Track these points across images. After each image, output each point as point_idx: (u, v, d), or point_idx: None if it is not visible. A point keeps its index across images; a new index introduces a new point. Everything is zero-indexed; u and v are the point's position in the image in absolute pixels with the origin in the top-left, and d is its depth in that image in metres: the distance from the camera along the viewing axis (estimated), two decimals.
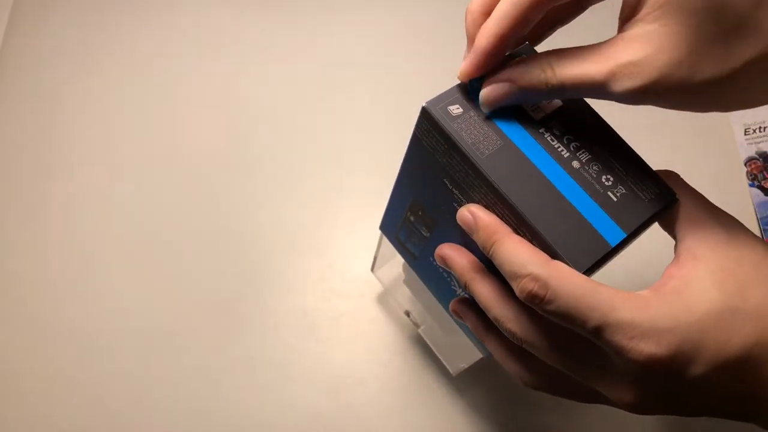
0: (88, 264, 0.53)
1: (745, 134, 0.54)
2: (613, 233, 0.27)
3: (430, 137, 0.30)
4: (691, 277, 0.25)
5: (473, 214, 0.28)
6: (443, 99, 0.30)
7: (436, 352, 0.49)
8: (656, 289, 0.25)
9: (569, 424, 0.47)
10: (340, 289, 0.51)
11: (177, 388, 0.49)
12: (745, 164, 0.53)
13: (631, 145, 0.29)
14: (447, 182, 0.31)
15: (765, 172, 0.53)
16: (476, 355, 0.41)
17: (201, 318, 0.51)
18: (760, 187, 0.53)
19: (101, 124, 0.57)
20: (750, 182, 0.53)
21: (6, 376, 0.50)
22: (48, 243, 0.53)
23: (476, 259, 0.31)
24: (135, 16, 0.61)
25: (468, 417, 0.47)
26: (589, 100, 0.29)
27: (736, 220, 0.27)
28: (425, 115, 0.30)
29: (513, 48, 0.30)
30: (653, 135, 0.54)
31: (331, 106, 0.57)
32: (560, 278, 0.25)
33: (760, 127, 0.54)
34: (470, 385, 0.48)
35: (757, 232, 0.51)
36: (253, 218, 0.54)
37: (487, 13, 0.28)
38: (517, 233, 0.28)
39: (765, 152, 0.54)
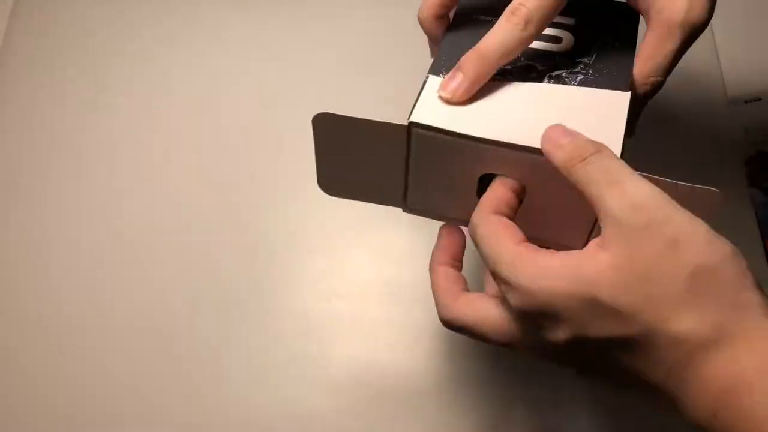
0: (87, 263, 0.52)
1: (745, 134, 0.54)
2: None
3: None
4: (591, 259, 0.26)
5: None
6: None
7: None
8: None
9: (572, 425, 0.47)
10: (340, 289, 0.51)
11: (176, 388, 0.49)
12: (745, 164, 0.53)
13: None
14: None
15: (765, 172, 0.53)
16: None
17: (201, 318, 0.51)
18: (760, 187, 0.53)
19: (101, 123, 0.57)
20: (749, 182, 0.53)
21: (6, 376, 0.50)
22: (47, 242, 0.53)
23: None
24: (135, 15, 0.61)
25: (468, 417, 0.47)
26: None
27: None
28: None
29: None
30: (653, 135, 0.54)
31: (333, 106, 0.57)
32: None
33: (759, 127, 0.54)
34: (470, 385, 0.48)
35: (756, 232, 0.51)
36: (253, 218, 0.54)
37: (441, 16, 0.36)
38: None
39: (764, 152, 0.54)
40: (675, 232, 0.25)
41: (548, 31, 0.33)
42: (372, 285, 0.51)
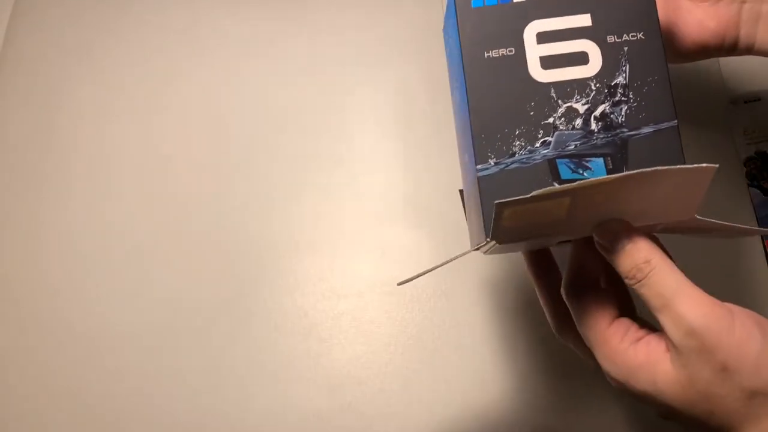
0: (87, 263, 0.52)
1: (744, 134, 0.54)
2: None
3: None
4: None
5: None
6: None
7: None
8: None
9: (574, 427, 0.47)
10: (340, 288, 0.51)
11: (177, 388, 0.49)
12: (745, 164, 0.53)
13: None
14: None
15: (764, 172, 0.53)
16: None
17: (201, 318, 0.51)
18: (760, 187, 0.53)
19: (102, 123, 0.57)
20: (749, 182, 0.53)
21: (7, 376, 0.50)
22: (47, 243, 0.53)
23: None
24: (135, 15, 0.61)
25: (467, 417, 0.47)
26: None
27: None
28: None
29: None
30: None
31: (333, 106, 0.57)
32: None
33: (759, 127, 0.54)
34: (469, 385, 0.48)
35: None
36: (253, 218, 0.54)
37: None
38: None
39: (764, 152, 0.54)
40: (725, 358, 0.27)
41: (570, 45, 0.32)
42: (372, 285, 0.51)
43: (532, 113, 0.31)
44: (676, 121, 0.31)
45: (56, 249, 0.53)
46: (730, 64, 0.56)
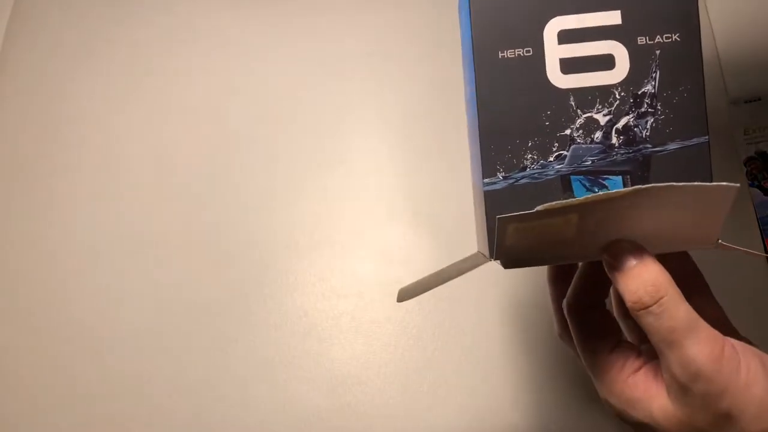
0: (87, 262, 0.53)
1: (745, 134, 0.54)
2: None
3: None
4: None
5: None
6: None
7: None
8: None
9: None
10: (340, 288, 0.51)
11: (176, 388, 0.49)
12: (745, 164, 0.53)
13: None
14: None
15: (765, 172, 0.53)
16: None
17: (201, 318, 0.51)
18: (760, 187, 0.53)
19: (102, 122, 0.57)
20: (750, 182, 0.53)
21: (6, 375, 0.50)
22: (48, 242, 0.53)
23: None
24: (136, 15, 0.61)
25: (468, 417, 0.47)
26: None
27: None
28: None
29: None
30: None
31: (332, 107, 0.57)
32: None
33: (759, 127, 0.54)
34: (469, 385, 0.48)
35: (756, 232, 0.51)
36: (254, 218, 0.54)
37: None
38: None
39: (764, 152, 0.54)
40: (729, 405, 0.26)
41: (595, 47, 0.28)
42: (372, 285, 0.51)
43: (547, 123, 0.28)
44: (707, 137, 0.28)
45: (57, 248, 0.53)
46: (730, 64, 0.56)
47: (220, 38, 0.60)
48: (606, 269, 0.28)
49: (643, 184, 0.27)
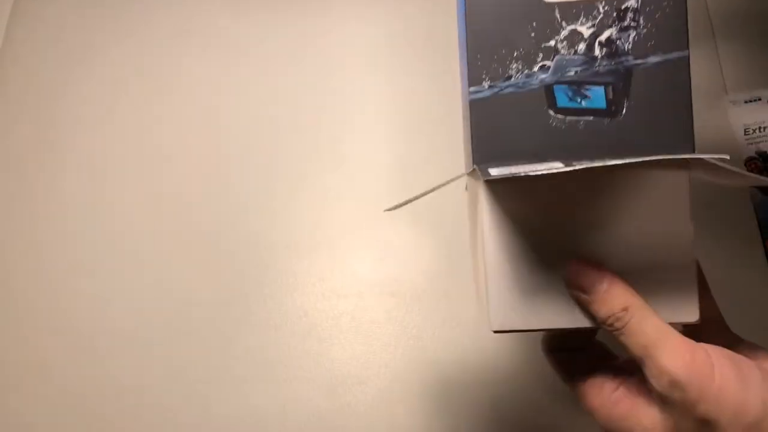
0: (86, 263, 0.53)
1: (745, 134, 0.54)
2: None
3: None
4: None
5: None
6: None
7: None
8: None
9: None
10: (340, 288, 0.51)
11: (176, 388, 0.49)
12: (745, 164, 0.53)
13: None
14: None
15: (765, 173, 0.53)
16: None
17: (201, 318, 0.51)
18: (759, 187, 0.53)
19: (101, 122, 0.57)
20: None
21: (6, 376, 0.50)
22: (46, 242, 0.53)
23: None
24: (135, 15, 0.61)
25: (468, 417, 0.47)
26: None
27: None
28: None
29: None
30: None
31: (332, 107, 0.57)
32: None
33: (759, 127, 0.54)
34: (469, 385, 0.48)
35: (756, 232, 0.51)
36: (254, 218, 0.54)
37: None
38: None
39: (765, 152, 0.54)
40: (705, 411, 0.27)
41: None
42: (372, 285, 0.51)
43: (533, 34, 0.29)
44: (687, 51, 0.29)
45: (56, 248, 0.53)
46: (730, 64, 0.56)
47: (220, 38, 0.60)
48: (571, 295, 0.30)
49: (623, 96, 0.29)
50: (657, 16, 0.29)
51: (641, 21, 0.29)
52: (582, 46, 0.29)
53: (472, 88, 0.29)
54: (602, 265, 0.29)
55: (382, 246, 0.52)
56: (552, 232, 0.29)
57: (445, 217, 0.52)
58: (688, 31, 0.29)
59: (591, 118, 0.29)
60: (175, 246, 0.53)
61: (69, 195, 0.55)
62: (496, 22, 0.29)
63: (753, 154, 0.54)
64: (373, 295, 0.51)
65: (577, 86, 0.29)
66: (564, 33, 0.29)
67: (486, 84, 0.29)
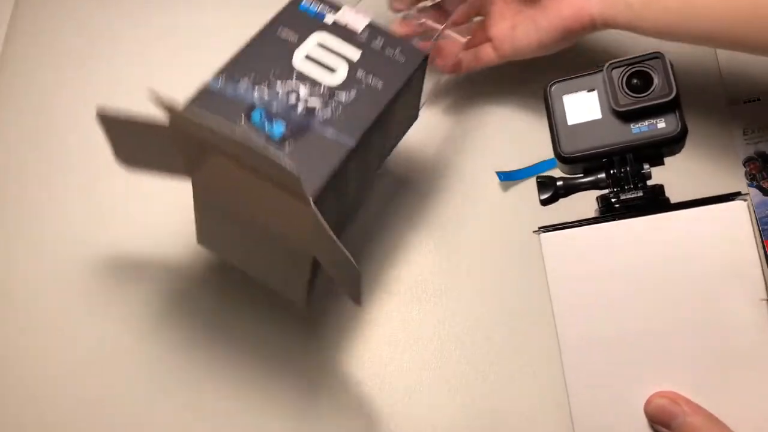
0: (84, 263, 0.53)
1: (744, 134, 0.54)
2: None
3: None
4: None
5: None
6: None
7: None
8: None
9: None
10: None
11: (176, 388, 0.49)
12: (744, 164, 0.54)
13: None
14: None
15: (764, 172, 0.53)
16: None
17: (200, 318, 0.51)
18: (759, 187, 0.53)
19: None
20: (749, 182, 0.53)
21: (6, 376, 0.50)
22: (44, 243, 0.53)
23: None
24: (135, 18, 0.61)
25: (467, 417, 0.48)
26: None
27: None
28: None
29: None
30: None
31: None
32: None
33: (759, 127, 0.54)
34: (470, 384, 0.48)
35: (756, 232, 0.51)
36: None
37: None
38: None
39: (764, 152, 0.54)
40: None
41: (332, 60, 0.41)
42: (372, 285, 0.51)
43: (272, 73, 0.40)
44: (353, 145, 0.38)
45: (53, 249, 0.53)
46: (730, 64, 0.56)
47: (221, 40, 0.60)
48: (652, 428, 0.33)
49: (293, 135, 0.38)
50: (351, 111, 0.40)
51: (340, 110, 0.39)
52: (293, 98, 0.39)
53: (212, 78, 0.41)
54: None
55: (382, 246, 0.52)
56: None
57: (444, 216, 0.53)
58: (369, 131, 0.39)
59: (265, 138, 0.38)
60: (175, 246, 0.53)
61: (67, 196, 0.55)
62: (261, 57, 0.41)
63: (752, 154, 0.54)
64: (373, 296, 0.51)
65: (271, 115, 0.39)
66: (290, 85, 0.40)
67: (221, 80, 0.40)
